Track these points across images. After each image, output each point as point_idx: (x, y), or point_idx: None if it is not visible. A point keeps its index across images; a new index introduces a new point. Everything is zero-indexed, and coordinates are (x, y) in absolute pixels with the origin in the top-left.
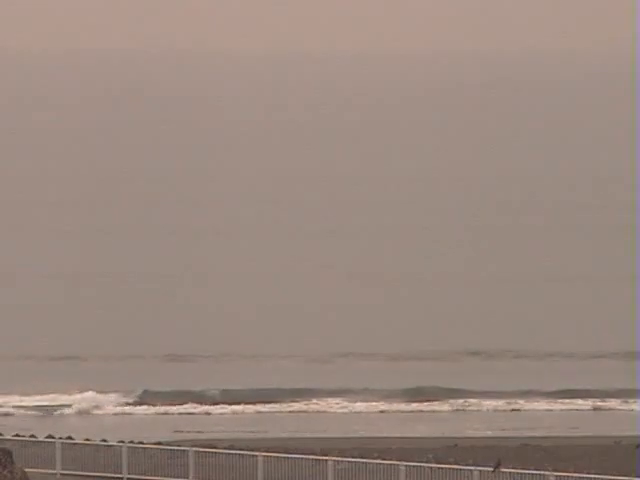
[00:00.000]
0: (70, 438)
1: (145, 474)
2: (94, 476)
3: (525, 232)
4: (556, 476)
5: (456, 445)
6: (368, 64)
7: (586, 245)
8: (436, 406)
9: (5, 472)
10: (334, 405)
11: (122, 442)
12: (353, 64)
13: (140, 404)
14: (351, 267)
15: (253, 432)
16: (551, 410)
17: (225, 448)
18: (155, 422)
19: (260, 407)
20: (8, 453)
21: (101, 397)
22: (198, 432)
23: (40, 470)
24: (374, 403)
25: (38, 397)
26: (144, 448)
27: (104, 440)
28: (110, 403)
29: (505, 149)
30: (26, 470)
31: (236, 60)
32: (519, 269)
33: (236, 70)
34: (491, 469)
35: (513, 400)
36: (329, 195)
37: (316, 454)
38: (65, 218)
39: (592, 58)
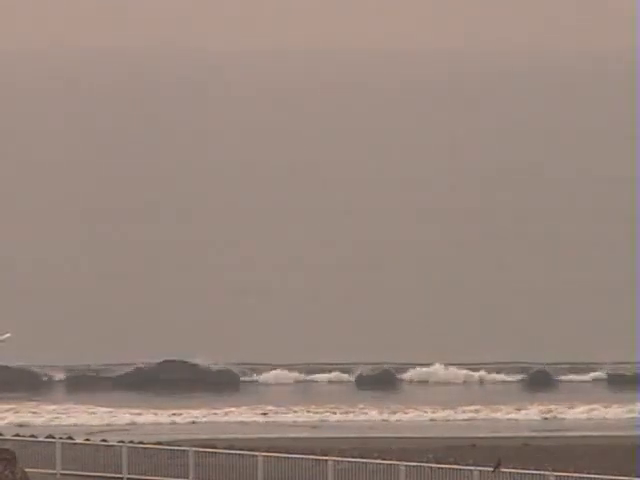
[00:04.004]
0: (70, 438)
1: (145, 474)
2: (94, 476)
3: (525, 235)
4: (556, 476)
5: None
6: (369, 62)
7: (589, 251)
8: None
9: (7, 472)
10: None
11: (122, 442)
12: (353, 61)
13: None
14: (354, 271)
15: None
16: None
17: (225, 448)
18: None
19: None
20: (11, 454)
21: None
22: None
23: (40, 470)
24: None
25: None
26: (144, 448)
27: (104, 440)
28: None
29: (505, 150)
30: (26, 470)
31: (236, 59)
32: (518, 275)
33: (236, 68)
34: (491, 469)
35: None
36: (330, 196)
37: (316, 454)
38: (64, 220)
39: (592, 57)
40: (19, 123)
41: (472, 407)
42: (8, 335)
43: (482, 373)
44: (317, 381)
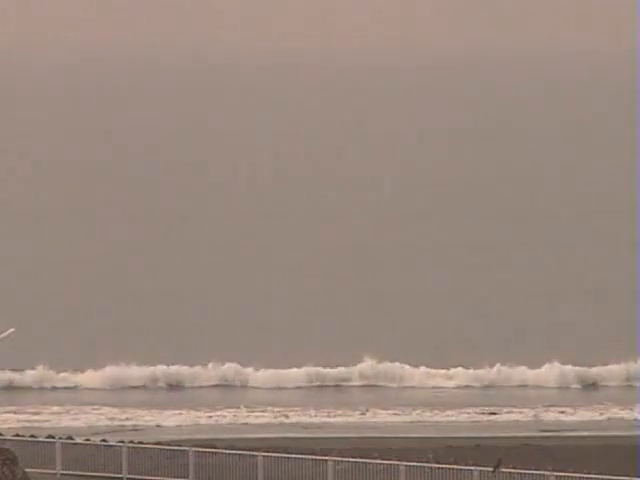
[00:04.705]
0: (70, 438)
1: (145, 474)
2: (94, 476)
3: (526, 239)
4: (556, 476)
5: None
6: (372, 61)
7: (596, 253)
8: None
9: (7, 472)
10: None
11: (122, 442)
12: (355, 61)
13: None
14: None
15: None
16: None
17: (225, 448)
18: None
19: None
20: (11, 454)
21: None
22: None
23: (40, 470)
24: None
25: None
26: (144, 448)
27: (104, 440)
28: None
29: (506, 151)
30: (26, 470)
31: (238, 59)
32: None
33: (238, 68)
34: (491, 469)
35: None
36: (330, 198)
37: (316, 454)
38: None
39: (594, 57)
40: (19, 123)
41: None
42: (12, 330)
43: None
44: None
